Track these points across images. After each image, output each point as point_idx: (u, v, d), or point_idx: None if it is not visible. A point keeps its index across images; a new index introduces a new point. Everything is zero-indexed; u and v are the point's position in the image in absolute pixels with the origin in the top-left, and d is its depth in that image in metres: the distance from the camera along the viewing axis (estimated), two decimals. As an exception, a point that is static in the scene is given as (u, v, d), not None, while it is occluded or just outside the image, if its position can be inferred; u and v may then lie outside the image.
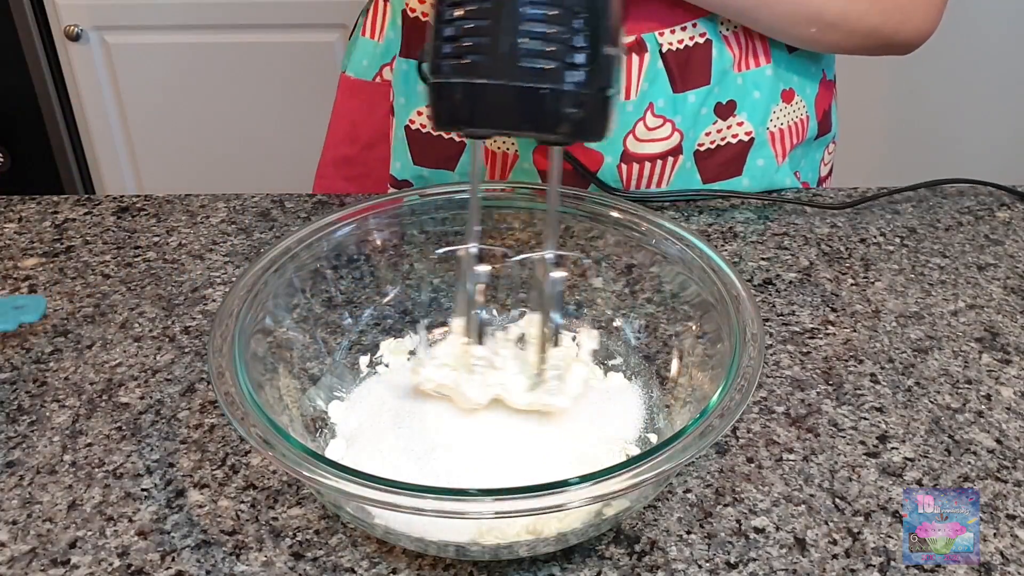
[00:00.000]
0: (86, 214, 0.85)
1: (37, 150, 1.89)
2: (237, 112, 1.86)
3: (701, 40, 0.81)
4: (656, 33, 0.80)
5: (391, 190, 0.91)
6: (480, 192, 0.54)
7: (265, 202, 0.86)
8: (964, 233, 0.82)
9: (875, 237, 0.81)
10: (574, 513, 0.51)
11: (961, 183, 0.89)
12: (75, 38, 1.79)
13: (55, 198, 0.87)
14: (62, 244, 0.81)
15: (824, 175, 0.95)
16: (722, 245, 0.80)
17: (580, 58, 0.45)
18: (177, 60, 1.82)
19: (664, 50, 0.80)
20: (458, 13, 0.45)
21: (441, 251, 0.58)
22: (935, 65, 1.70)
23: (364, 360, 0.64)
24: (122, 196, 0.88)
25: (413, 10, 0.85)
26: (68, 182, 1.95)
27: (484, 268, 0.55)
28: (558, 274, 0.55)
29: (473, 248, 0.54)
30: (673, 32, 0.80)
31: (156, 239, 0.81)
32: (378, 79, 0.90)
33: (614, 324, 0.66)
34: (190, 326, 0.71)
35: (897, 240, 0.81)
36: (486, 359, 0.56)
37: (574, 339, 0.62)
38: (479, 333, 0.57)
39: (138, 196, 0.88)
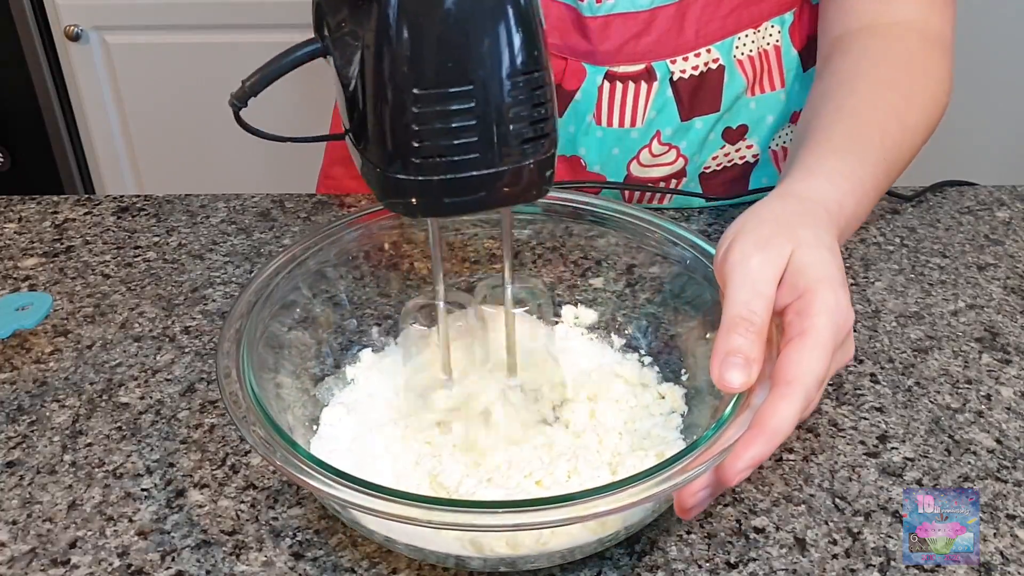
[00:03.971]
0: (86, 214, 0.85)
1: (37, 150, 1.89)
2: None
3: (714, 66, 0.80)
4: (668, 61, 0.79)
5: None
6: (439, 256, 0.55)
7: (265, 202, 0.86)
8: (964, 233, 0.82)
9: (875, 237, 0.81)
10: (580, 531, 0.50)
11: (961, 184, 0.89)
12: (75, 38, 1.78)
13: (55, 198, 0.87)
14: (62, 244, 0.81)
15: None
16: (722, 245, 0.80)
17: (552, 122, 0.47)
18: (177, 60, 1.82)
19: (675, 78, 0.80)
20: (428, 109, 0.44)
21: (413, 306, 0.59)
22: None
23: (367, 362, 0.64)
24: (122, 196, 0.88)
25: None
26: (68, 182, 1.94)
27: (457, 322, 0.58)
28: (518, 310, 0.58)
29: (441, 304, 0.56)
30: (686, 59, 0.79)
31: (156, 239, 0.81)
32: None
33: (616, 324, 0.66)
34: (190, 326, 0.71)
35: (897, 240, 0.81)
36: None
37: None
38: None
39: (138, 196, 0.88)
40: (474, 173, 0.46)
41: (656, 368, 0.64)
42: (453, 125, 0.45)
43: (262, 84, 0.53)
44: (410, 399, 0.59)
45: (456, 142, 0.45)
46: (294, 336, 0.60)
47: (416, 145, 0.45)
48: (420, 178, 0.46)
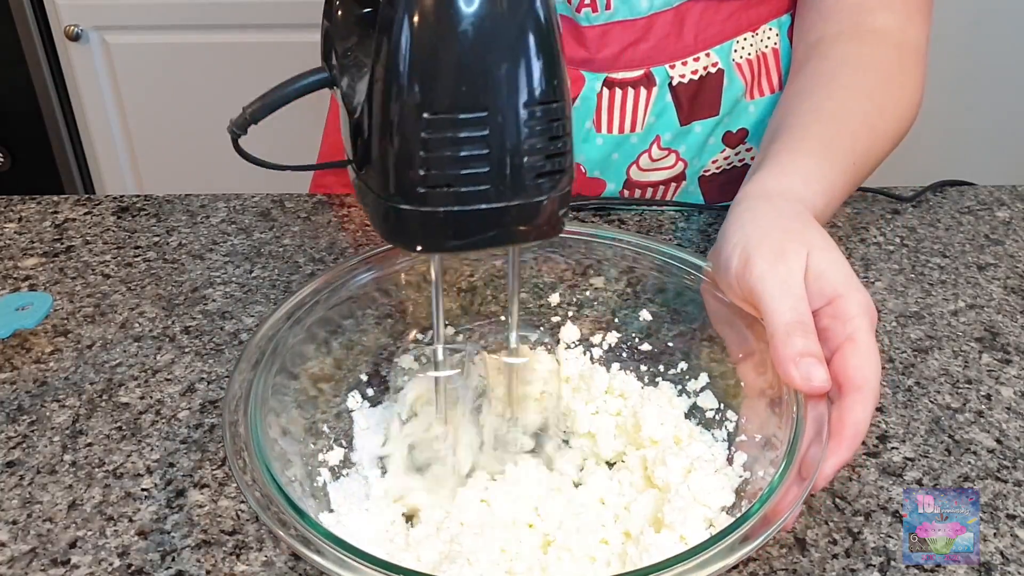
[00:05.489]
0: (86, 214, 0.85)
1: (37, 150, 1.89)
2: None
3: (713, 70, 0.80)
4: (667, 66, 0.79)
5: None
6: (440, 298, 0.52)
7: (265, 202, 0.86)
8: (964, 233, 0.82)
9: (875, 237, 0.81)
10: None
11: (960, 184, 0.89)
12: (75, 38, 1.78)
13: (55, 198, 0.87)
14: (62, 244, 0.81)
15: None
16: (722, 245, 0.80)
17: (570, 157, 0.45)
18: (177, 60, 1.82)
19: (675, 83, 0.79)
20: (437, 136, 0.42)
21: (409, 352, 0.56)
22: (935, 66, 1.70)
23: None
24: (122, 196, 0.88)
25: None
26: (68, 182, 1.94)
27: (452, 371, 0.54)
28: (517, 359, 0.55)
29: (439, 348, 0.53)
30: (685, 64, 0.79)
31: (156, 239, 0.81)
32: None
33: (615, 323, 0.66)
34: (190, 326, 0.71)
35: (897, 240, 0.81)
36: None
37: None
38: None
39: (138, 196, 0.88)
40: (483, 207, 0.43)
41: (658, 372, 0.64)
42: (463, 154, 0.42)
43: (263, 112, 0.49)
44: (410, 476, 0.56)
45: (466, 172, 0.42)
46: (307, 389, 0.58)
47: (423, 174, 0.42)
48: (425, 209, 0.43)
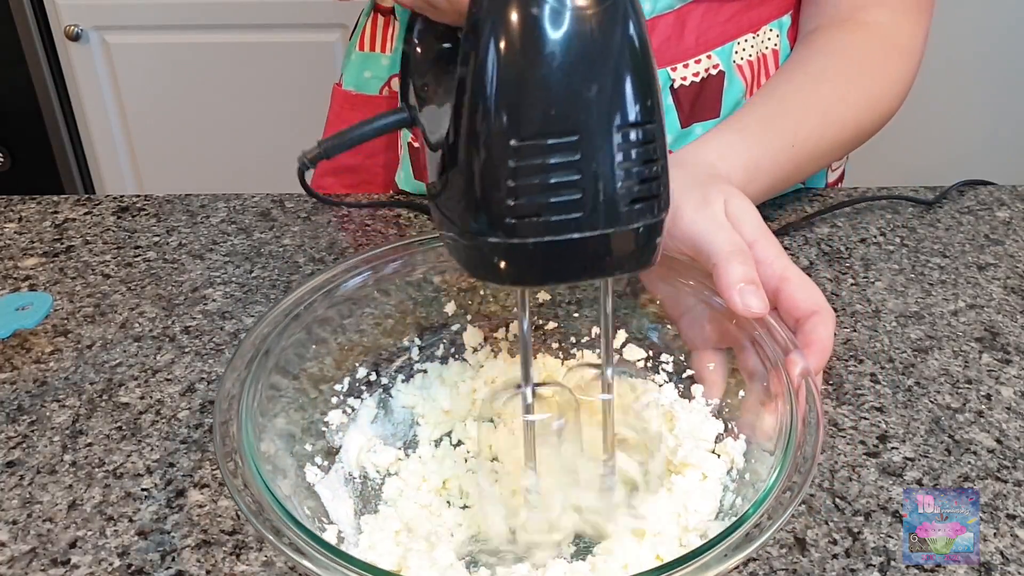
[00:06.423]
0: (86, 214, 0.85)
1: (37, 150, 1.89)
2: (237, 112, 1.86)
3: (714, 72, 0.80)
4: (668, 69, 0.79)
5: (392, 193, 0.91)
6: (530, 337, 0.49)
7: (265, 202, 0.86)
8: (964, 233, 0.82)
9: (875, 237, 0.81)
10: None
11: (982, 184, 0.89)
12: (75, 38, 1.79)
13: (55, 198, 0.87)
14: (62, 244, 0.81)
15: (833, 180, 0.93)
16: (722, 245, 0.80)
17: (665, 181, 0.43)
18: (177, 60, 1.82)
19: (676, 85, 0.79)
20: (526, 163, 0.40)
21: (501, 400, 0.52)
22: (934, 66, 1.69)
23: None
24: (122, 196, 0.88)
25: None
26: (68, 182, 1.95)
27: (539, 415, 0.50)
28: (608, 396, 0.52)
29: (528, 390, 0.50)
30: (687, 66, 0.79)
31: (156, 239, 0.81)
32: (385, 91, 0.89)
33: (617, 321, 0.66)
34: (190, 326, 0.71)
35: (897, 240, 0.81)
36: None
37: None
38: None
39: (138, 196, 0.88)
40: (575, 236, 0.41)
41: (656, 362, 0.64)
42: (554, 181, 0.40)
43: (337, 150, 0.48)
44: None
45: (556, 200, 0.40)
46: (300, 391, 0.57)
47: (511, 204, 0.40)
48: (513, 241, 0.41)
